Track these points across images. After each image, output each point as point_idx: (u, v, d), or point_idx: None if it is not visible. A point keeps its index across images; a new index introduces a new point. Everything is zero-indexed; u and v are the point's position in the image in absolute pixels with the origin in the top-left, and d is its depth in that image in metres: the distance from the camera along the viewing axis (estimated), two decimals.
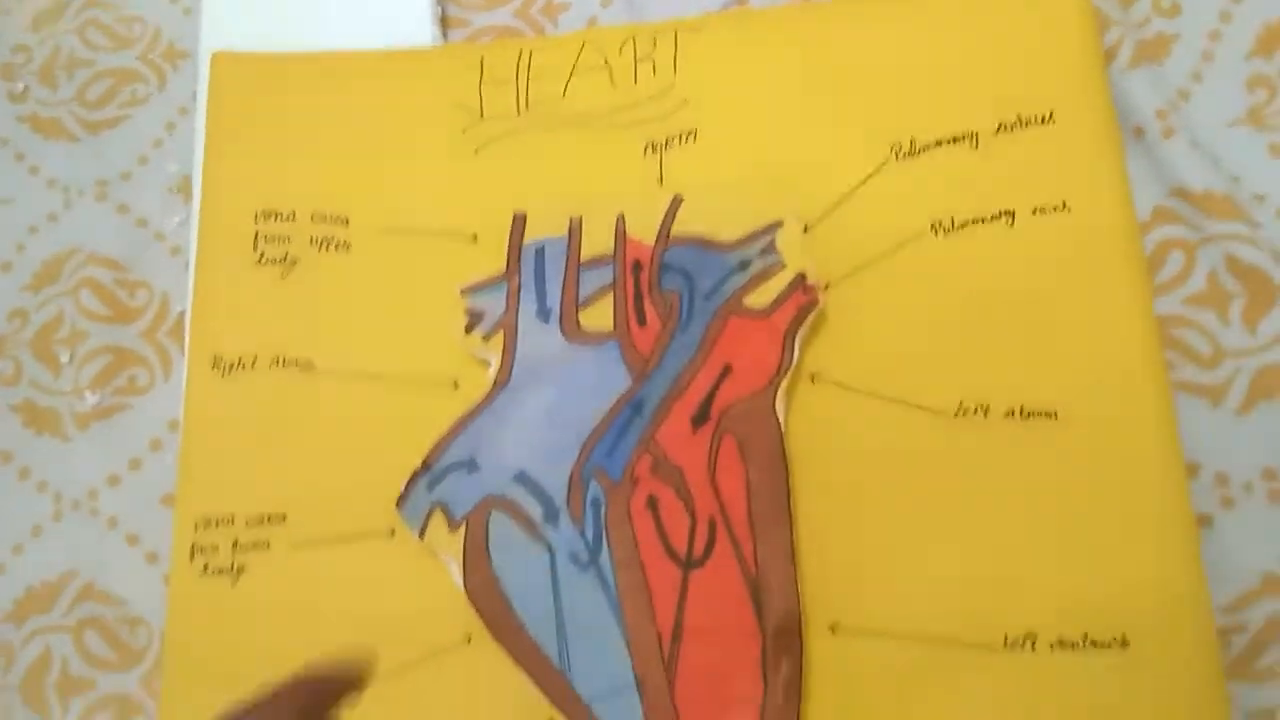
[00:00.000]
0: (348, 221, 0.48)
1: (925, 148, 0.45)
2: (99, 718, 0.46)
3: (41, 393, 0.51)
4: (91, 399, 0.50)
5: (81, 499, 0.49)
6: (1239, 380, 0.44)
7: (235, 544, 0.44)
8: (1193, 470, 0.43)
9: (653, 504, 0.42)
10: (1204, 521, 0.42)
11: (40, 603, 0.48)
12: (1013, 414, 0.42)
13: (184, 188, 0.53)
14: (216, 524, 0.45)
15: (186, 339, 0.49)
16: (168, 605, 0.45)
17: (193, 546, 0.45)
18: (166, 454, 0.49)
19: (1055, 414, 0.41)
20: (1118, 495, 0.40)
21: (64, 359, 0.51)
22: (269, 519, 0.45)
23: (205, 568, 0.44)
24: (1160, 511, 0.40)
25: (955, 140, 0.45)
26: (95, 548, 0.48)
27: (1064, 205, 0.43)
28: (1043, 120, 0.44)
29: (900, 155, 0.45)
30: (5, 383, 0.51)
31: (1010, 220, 0.44)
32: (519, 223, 0.46)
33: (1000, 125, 0.45)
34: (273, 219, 0.48)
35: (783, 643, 0.40)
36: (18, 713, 0.47)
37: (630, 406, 0.43)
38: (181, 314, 0.51)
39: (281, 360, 0.46)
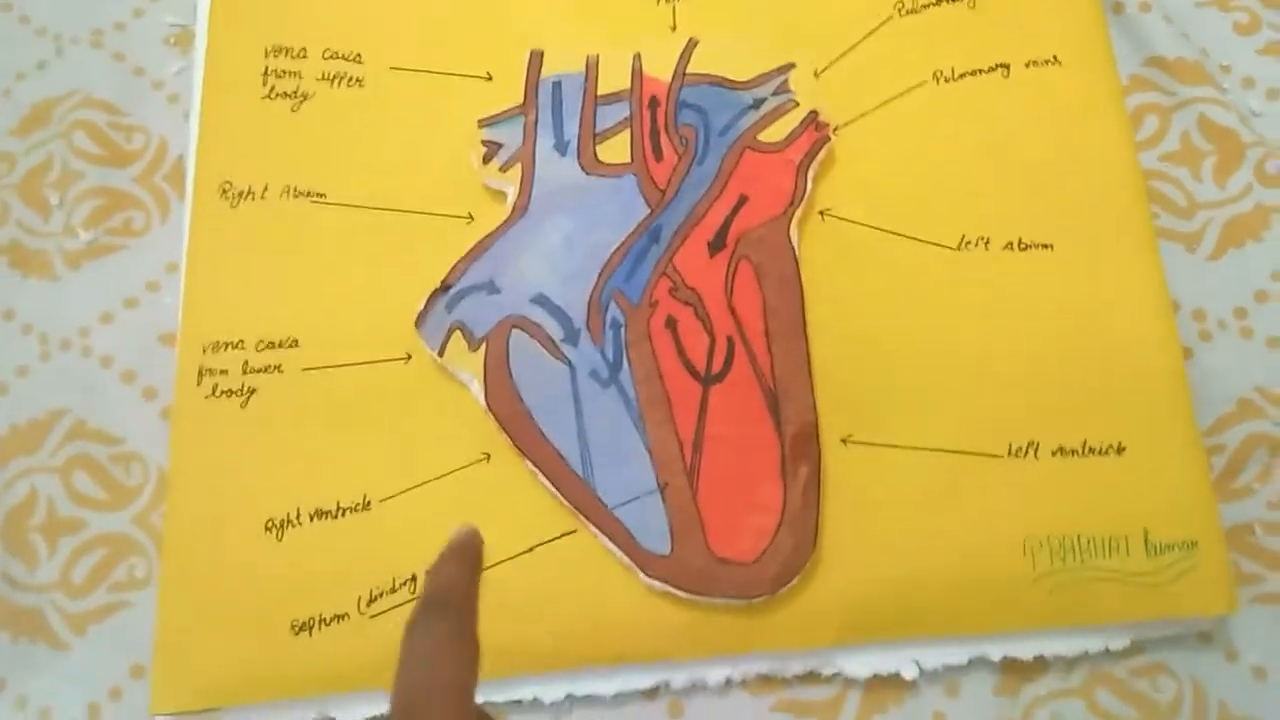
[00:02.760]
0: (360, 59, 0.48)
1: (926, 5, 0.47)
2: (89, 558, 0.45)
3: (29, 234, 0.49)
4: (85, 236, 0.49)
5: (72, 338, 0.48)
6: (1211, 229, 0.47)
7: (245, 366, 0.44)
8: (1173, 307, 0.45)
9: (671, 324, 0.43)
10: (1185, 353, 0.45)
11: (25, 442, 0.46)
12: (1011, 246, 0.44)
13: (181, 40, 0.52)
14: (226, 347, 0.44)
15: (188, 180, 0.48)
16: (172, 429, 0.44)
17: (200, 369, 0.44)
18: (165, 295, 0.48)
19: (1051, 245, 0.44)
20: (1108, 316, 0.43)
21: (54, 201, 0.49)
22: (280, 343, 0.44)
23: (214, 389, 0.44)
24: (1148, 328, 0.43)
25: None
26: (86, 386, 0.47)
27: (1055, 59, 0.46)
28: None
29: (903, 12, 0.47)
30: None
31: (1005, 72, 0.46)
32: (536, 59, 0.47)
33: None
34: (283, 55, 0.48)
35: (801, 449, 0.41)
36: None
37: (648, 234, 0.44)
38: (180, 158, 0.50)
39: (293, 190, 0.46)
